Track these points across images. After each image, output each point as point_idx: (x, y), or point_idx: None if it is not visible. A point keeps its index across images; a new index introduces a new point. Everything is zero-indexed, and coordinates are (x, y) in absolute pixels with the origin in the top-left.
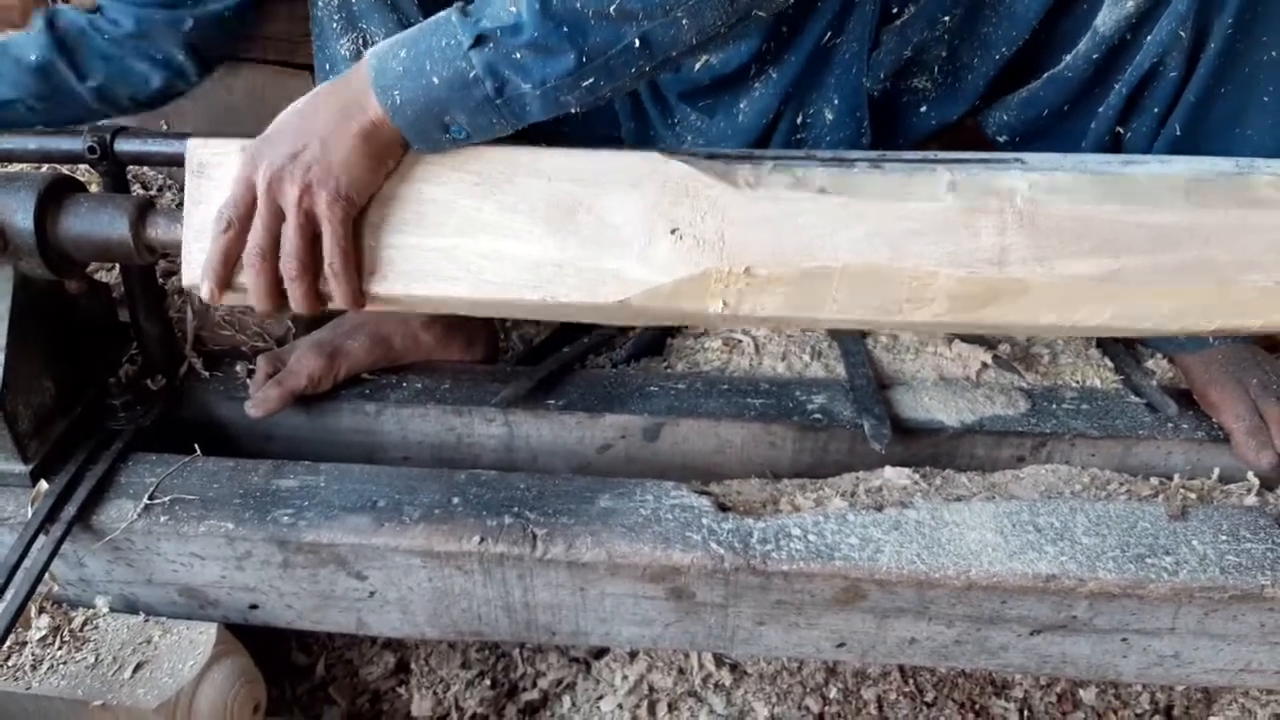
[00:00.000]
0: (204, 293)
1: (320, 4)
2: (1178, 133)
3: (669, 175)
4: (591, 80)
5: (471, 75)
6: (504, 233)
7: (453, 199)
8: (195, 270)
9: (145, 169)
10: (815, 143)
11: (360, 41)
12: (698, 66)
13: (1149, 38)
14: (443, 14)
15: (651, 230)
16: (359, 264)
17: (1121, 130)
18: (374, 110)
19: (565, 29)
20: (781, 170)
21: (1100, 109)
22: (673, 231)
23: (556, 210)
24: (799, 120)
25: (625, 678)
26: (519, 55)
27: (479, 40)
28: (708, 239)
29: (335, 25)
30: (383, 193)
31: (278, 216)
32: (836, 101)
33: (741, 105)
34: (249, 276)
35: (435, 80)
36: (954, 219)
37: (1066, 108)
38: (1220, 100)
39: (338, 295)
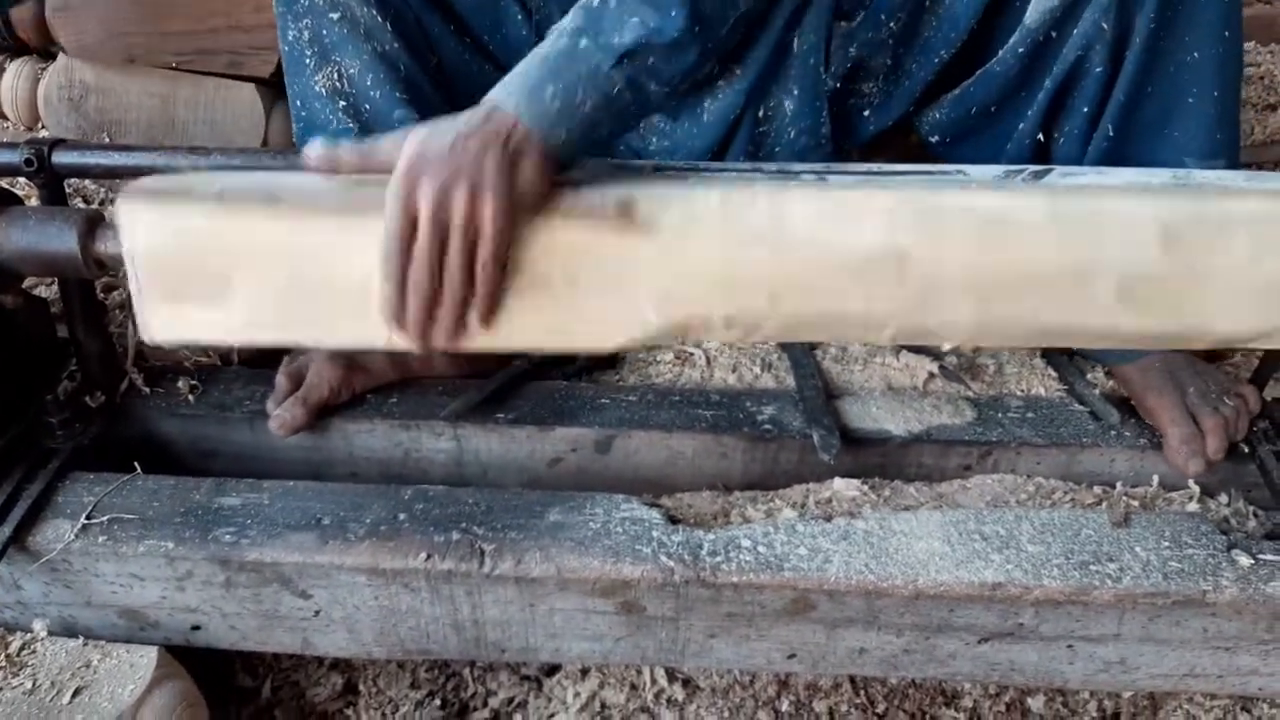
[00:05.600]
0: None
1: (290, 37)
2: (1110, 133)
3: None
4: (698, 65)
5: (615, 91)
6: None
7: None
8: (156, 332)
9: (85, 182)
10: (779, 134)
11: (335, 75)
12: None
13: (1073, 30)
14: (561, 43)
15: None
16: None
17: (1047, 136)
18: (538, 146)
19: (698, 27)
20: None
21: (1028, 110)
22: None
23: None
24: (760, 114)
25: (577, 695)
26: (653, 60)
27: (621, 59)
28: None
29: (309, 60)
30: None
31: (442, 237)
32: (796, 92)
33: (706, 104)
34: (414, 308)
35: (587, 107)
36: None
37: (994, 108)
38: (1148, 101)
39: (479, 313)
